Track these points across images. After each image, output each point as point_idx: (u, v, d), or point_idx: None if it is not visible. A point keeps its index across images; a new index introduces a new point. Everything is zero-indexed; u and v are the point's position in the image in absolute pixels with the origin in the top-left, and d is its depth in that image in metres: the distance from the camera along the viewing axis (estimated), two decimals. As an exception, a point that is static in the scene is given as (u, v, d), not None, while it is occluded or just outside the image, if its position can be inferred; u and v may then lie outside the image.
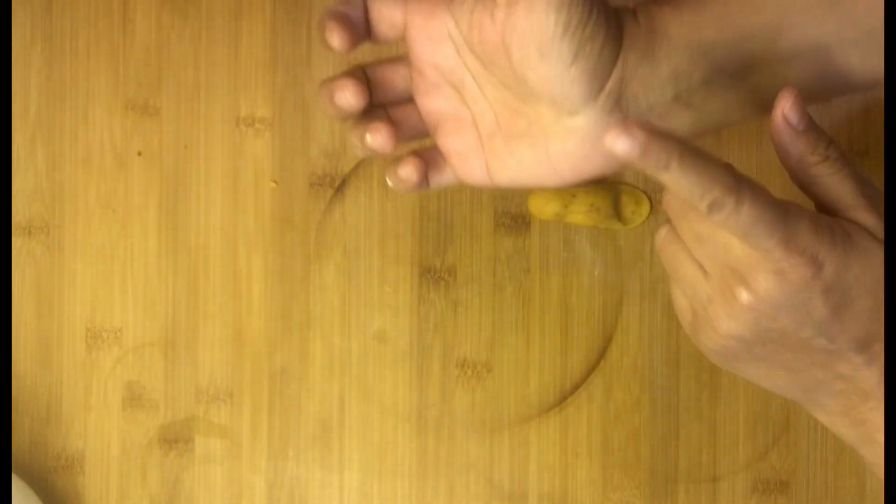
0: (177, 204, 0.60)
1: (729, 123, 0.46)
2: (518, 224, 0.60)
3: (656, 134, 0.36)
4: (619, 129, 0.35)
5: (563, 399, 0.60)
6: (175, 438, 0.60)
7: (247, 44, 0.60)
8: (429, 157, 0.47)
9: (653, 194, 0.60)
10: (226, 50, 0.60)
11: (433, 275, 0.60)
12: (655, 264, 0.60)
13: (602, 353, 0.60)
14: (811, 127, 0.40)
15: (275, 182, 0.60)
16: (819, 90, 0.46)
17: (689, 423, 0.59)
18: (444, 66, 0.45)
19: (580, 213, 0.59)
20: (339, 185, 0.60)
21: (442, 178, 0.47)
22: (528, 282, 0.60)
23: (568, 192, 0.59)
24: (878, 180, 0.59)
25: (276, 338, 0.60)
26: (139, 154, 0.60)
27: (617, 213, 0.59)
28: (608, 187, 0.59)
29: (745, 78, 0.44)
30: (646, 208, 0.60)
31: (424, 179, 0.47)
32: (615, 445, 0.59)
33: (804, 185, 0.41)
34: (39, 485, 0.59)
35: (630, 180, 0.60)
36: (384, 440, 0.60)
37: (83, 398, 0.60)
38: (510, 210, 0.60)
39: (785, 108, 0.40)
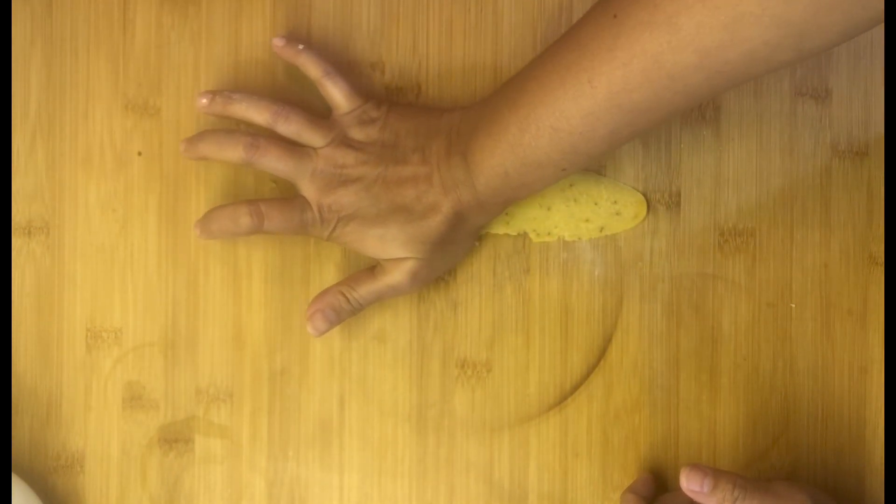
0: (177, 204, 0.60)
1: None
2: (518, 224, 0.60)
3: (719, 471, 0.50)
4: (694, 471, 0.50)
5: (563, 399, 0.60)
6: (175, 438, 0.60)
7: (247, 44, 0.60)
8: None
9: (651, 195, 0.60)
10: (226, 50, 0.60)
11: (433, 275, 0.60)
12: (655, 264, 0.60)
13: (602, 353, 0.60)
14: (716, 482, 0.50)
15: (275, 182, 0.60)
16: None
17: (689, 423, 0.59)
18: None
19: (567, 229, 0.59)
20: (339, 185, 0.60)
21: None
22: (528, 282, 0.60)
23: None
24: (879, 180, 0.60)
25: (276, 338, 0.60)
26: (139, 154, 0.60)
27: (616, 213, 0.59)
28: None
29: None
30: (643, 209, 0.60)
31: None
32: (615, 445, 0.59)
33: None
34: (39, 485, 0.59)
35: (629, 182, 0.60)
36: (384, 440, 0.60)
37: (83, 398, 0.59)
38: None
39: (685, 484, 0.50)
